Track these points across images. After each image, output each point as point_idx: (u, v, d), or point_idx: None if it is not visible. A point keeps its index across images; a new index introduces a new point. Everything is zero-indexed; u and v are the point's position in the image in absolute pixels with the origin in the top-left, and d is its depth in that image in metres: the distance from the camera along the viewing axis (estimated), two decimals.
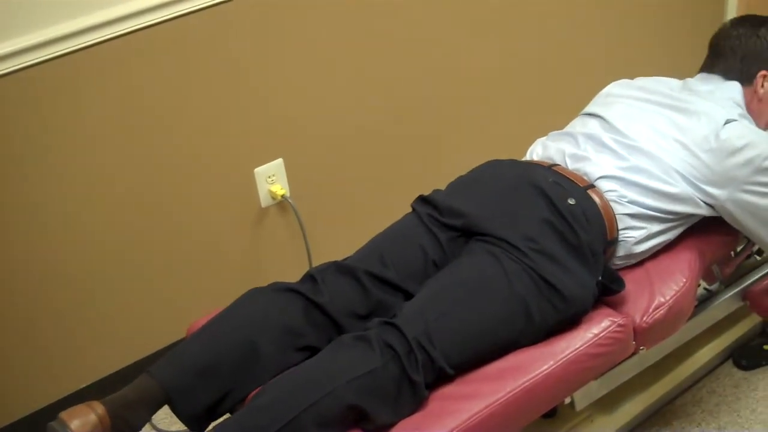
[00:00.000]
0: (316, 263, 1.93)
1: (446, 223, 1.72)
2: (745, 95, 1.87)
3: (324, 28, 2.23)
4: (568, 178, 1.75)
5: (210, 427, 1.55)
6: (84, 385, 2.20)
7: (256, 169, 2.25)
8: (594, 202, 1.71)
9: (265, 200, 2.30)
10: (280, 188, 2.29)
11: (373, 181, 2.48)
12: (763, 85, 1.88)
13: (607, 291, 1.68)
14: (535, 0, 2.60)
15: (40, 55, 1.85)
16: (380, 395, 1.45)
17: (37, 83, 1.87)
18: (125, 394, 1.50)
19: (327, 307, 1.60)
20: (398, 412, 1.48)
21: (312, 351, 1.60)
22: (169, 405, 1.54)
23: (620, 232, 1.73)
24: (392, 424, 1.48)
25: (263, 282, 1.70)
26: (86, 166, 2.00)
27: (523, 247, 1.60)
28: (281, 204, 2.33)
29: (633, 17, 2.87)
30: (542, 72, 2.72)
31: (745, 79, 1.88)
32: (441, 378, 1.54)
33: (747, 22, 1.92)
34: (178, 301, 2.25)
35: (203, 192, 2.19)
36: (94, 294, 2.13)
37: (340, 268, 1.67)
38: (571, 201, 1.68)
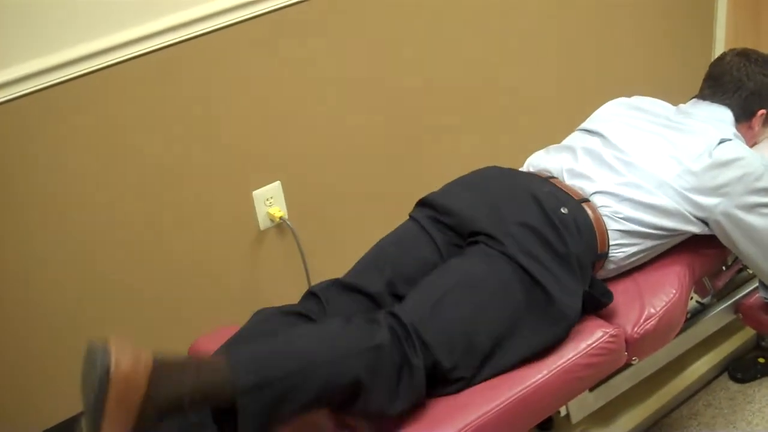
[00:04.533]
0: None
1: (443, 222, 1.75)
2: (739, 129, 1.91)
3: (320, 50, 2.27)
4: (563, 190, 1.79)
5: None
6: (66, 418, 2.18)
7: (254, 192, 2.28)
8: (587, 215, 1.74)
9: (263, 223, 2.33)
10: (279, 210, 2.32)
11: (370, 202, 2.51)
12: (760, 123, 1.94)
13: (596, 304, 1.70)
14: (534, 14, 2.65)
15: (41, 81, 1.89)
16: (383, 375, 1.45)
17: (29, 110, 1.90)
18: None
19: None
20: (395, 398, 1.47)
21: None
22: None
23: (611, 247, 1.76)
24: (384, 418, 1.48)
25: (264, 304, 1.72)
26: (82, 189, 2.02)
27: (511, 249, 1.63)
28: (279, 226, 2.36)
29: (623, 37, 2.92)
30: (540, 87, 2.76)
31: (743, 114, 1.92)
32: (438, 377, 1.53)
33: (752, 57, 1.95)
34: (177, 325, 2.25)
35: (202, 215, 2.22)
36: (90, 319, 2.13)
37: (345, 285, 1.69)
38: (564, 210, 1.71)
